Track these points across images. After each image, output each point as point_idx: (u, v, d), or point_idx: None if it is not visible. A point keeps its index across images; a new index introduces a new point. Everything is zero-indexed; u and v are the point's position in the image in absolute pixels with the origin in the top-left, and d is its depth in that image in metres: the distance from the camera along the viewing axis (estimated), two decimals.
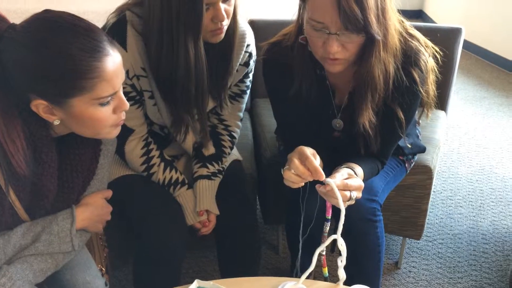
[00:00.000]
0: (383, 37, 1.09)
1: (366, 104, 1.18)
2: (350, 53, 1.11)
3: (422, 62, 1.20)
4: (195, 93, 1.25)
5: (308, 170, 1.04)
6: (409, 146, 1.48)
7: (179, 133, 1.33)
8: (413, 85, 1.20)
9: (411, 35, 1.22)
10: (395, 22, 1.14)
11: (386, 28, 1.09)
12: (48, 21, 0.89)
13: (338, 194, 1.03)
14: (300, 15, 1.18)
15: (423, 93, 1.23)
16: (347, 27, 1.04)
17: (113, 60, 0.91)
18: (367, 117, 1.19)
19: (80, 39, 0.88)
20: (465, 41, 1.91)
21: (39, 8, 0.95)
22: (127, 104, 0.98)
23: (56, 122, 0.94)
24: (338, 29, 1.06)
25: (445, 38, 1.82)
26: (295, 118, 1.32)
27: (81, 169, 1.06)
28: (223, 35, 1.22)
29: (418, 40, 1.22)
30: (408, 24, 1.24)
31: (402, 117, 1.23)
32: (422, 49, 1.21)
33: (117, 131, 1.01)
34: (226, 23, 1.20)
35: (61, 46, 0.87)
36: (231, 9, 1.20)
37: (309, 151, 1.07)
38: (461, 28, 1.88)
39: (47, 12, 0.91)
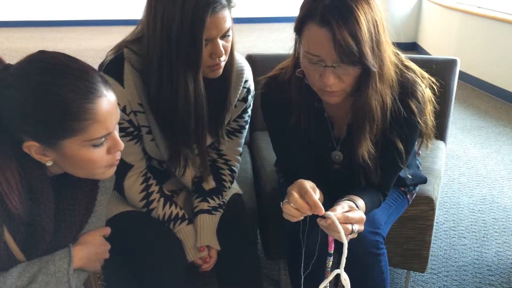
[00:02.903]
0: (379, 68, 1.10)
1: (364, 135, 1.18)
2: (346, 84, 1.11)
3: (419, 93, 1.20)
4: (194, 128, 1.25)
5: (308, 204, 1.03)
6: (410, 177, 1.47)
7: (178, 167, 1.32)
8: (411, 116, 1.20)
9: (407, 67, 1.23)
10: (390, 54, 1.15)
11: (382, 59, 1.10)
12: (41, 62, 0.89)
13: (339, 227, 1.01)
14: (296, 49, 1.19)
15: (421, 123, 1.23)
16: (342, 59, 1.05)
17: (107, 101, 0.91)
18: (366, 148, 1.19)
19: (72, 81, 0.87)
20: (460, 71, 1.94)
21: (40, 47, 0.96)
22: (122, 144, 0.96)
23: (49, 163, 0.93)
24: (334, 62, 1.06)
25: (441, 69, 1.83)
26: (294, 151, 1.31)
27: (78, 207, 1.04)
28: (221, 70, 1.23)
29: (414, 72, 1.23)
30: (403, 56, 1.25)
31: (402, 148, 1.23)
32: (418, 80, 1.22)
33: (111, 171, 1.00)
34: (224, 59, 1.21)
35: (52, 88, 0.86)
36: (229, 45, 1.21)
37: (308, 184, 1.06)
38: (456, 59, 1.90)
39: (41, 53, 0.92)
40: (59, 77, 0.87)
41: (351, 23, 1.02)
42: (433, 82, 1.27)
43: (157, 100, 1.21)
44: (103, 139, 0.92)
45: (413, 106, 1.19)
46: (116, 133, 0.96)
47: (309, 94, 1.21)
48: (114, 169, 1.00)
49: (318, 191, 1.10)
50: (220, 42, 1.17)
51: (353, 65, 1.06)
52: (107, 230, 1.13)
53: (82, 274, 1.06)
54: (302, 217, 1.05)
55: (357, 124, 1.18)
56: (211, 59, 1.18)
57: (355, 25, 1.03)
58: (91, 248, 1.07)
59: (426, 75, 1.26)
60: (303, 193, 1.04)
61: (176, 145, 1.28)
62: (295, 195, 1.03)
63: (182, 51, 1.14)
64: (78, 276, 1.04)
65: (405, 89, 1.19)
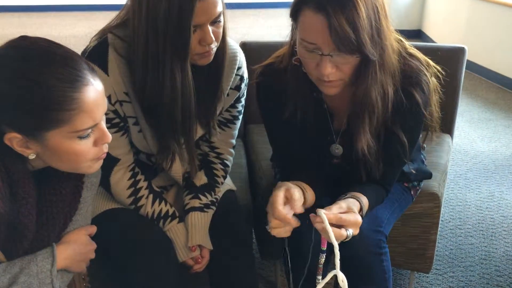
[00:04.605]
0: (379, 57, 1.10)
1: (363, 128, 1.19)
2: (345, 74, 1.12)
3: (424, 82, 1.21)
4: (181, 120, 1.25)
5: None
6: (414, 171, 1.48)
7: (165, 160, 1.33)
8: (415, 107, 1.20)
9: (411, 55, 1.23)
10: (392, 41, 1.15)
11: (382, 48, 1.10)
12: (23, 49, 0.89)
13: (328, 228, 1.03)
14: (292, 36, 1.19)
15: (426, 115, 1.24)
16: (339, 48, 1.05)
17: (93, 90, 0.91)
18: (365, 142, 1.20)
19: (57, 68, 0.87)
20: (467, 60, 1.95)
21: (19, 33, 0.96)
22: (110, 136, 0.97)
23: (32, 156, 0.93)
24: (331, 50, 1.06)
25: (447, 58, 1.84)
26: (291, 144, 1.32)
27: (62, 204, 1.05)
28: (211, 57, 1.23)
29: (418, 60, 1.23)
30: (407, 43, 1.25)
31: (405, 141, 1.23)
32: (423, 68, 1.22)
33: (98, 165, 1.00)
34: (214, 45, 1.21)
35: (35, 76, 0.86)
36: (220, 31, 1.21)
37: (282, 193, 1.12)
38: (464, 48, 1.91)
39: (23, 39, 0.91)
40: (42, 64, 0.87)
41: (348, 9, 1.02)
42: (438, 71, 1.28)
43: (143, 90, 1.21)
44: (90, 130, 0.93)
45: (418, 97, 1.20)
46: (104, 124, 0.96)
47: (307, 83, 1.21)
48: (100, 162, 1.00)
49: (300, 193, 1.15)
50: (210, 28, 1.16)
51: (350, 53, 1.06)
52: (93, 229, 1.14)
53: (66, 275, 1.07)
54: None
55: (356, 115, 1.19)
56: (201, 46, 1.18)
57: (353, 11, 1.02)
58: (75, 248, 1.07)
59: (431, 63, 1.27)
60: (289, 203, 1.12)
61: (163, 137, 1.28)
62: (281, 211, 1.10)
63: (169, 38, 1.13)
64: (62, 277, 1.05)
65: (409, 78, 1.20)
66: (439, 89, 1.27)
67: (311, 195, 1.22)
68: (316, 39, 1.07)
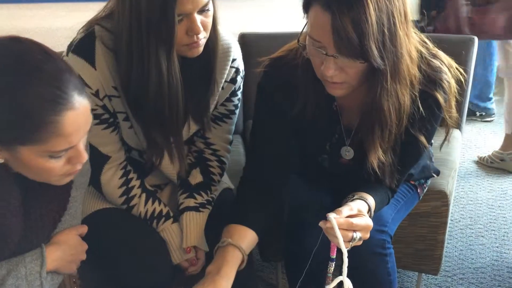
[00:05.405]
0: (393, 66, 1.08)
1: (374, 143, 1.17)
2: (350, 77, 1.10)
3: (445, 81, 1.20)
4: (169, 114, 1.25)
5: None
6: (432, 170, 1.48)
7: (153, 155, 1.33)
8: (435, 107, 1.20)
9: (434, 56, 1.22)
10: (412, 49, 1.12)
11: (397, 56, 1.07)
12: (12, 56, 0.87)
13: (338, 233, 1.03)
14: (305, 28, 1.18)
15: (446, 117, 1.24)
16: (341, 51, 1.03)
17: (75, 114, 0.89)
18: (376, 158, 1.18)
19: (41, 86, 0.86)
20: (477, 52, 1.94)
21: (7, 26, 0.95)
22: (85, 156, 0.95)
23: (0, 161, 0.93)
24: (334, 51, 1.05)
25: (457, 48, 1.83)
26: (277, 149, 1.29)
27: (50, 204, 1.05)
28: (201, 49, 1.22)
29: (441, 60, 1.22)
30: (431, 44, 1.24)
31: (427, 145, 1.24)
32: (444, 68, 1.21)
33: (69, 178, 0.99)
34: (203, 36, 1.20)
35: (18, 92, 0.85)
36: (208, 21, 1.20)
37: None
38: (474, 38, 1.90)
39: (15, 42, 0.90)
40: (27, 78, 0.86)
41: (355, 10, 1.00)
42: (460, 73, 1.25)
43: (128, 82, 1.21)
44: (64, 152, 0.91)
45: (441, 99, 1.19)
46: (81, 145, 0.94)
47: (318, 79, 1.18)
48: (71, 177, 1.00)
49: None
50: (198, 18, 1.16)
51: (353, 58, 1.05)
52: (84, 229, 1.15)
53: (56, 278, 1.08)
54: None
55: (367, 128, 1.17)
56: (188, 36, 1.17)
57: (361, 15, 1.00)
58: (66, 249, 1.08)
59: (454, 64, 1.25)
60: None
61: (150, 132, 1.28)
62: None
63: (153, 27, 1.13)
64: (52, 280, 1.06)
65: (430, 78, 1.18)
66: (456, 91, 1.25)
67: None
68: (321, 37, 1.06)
